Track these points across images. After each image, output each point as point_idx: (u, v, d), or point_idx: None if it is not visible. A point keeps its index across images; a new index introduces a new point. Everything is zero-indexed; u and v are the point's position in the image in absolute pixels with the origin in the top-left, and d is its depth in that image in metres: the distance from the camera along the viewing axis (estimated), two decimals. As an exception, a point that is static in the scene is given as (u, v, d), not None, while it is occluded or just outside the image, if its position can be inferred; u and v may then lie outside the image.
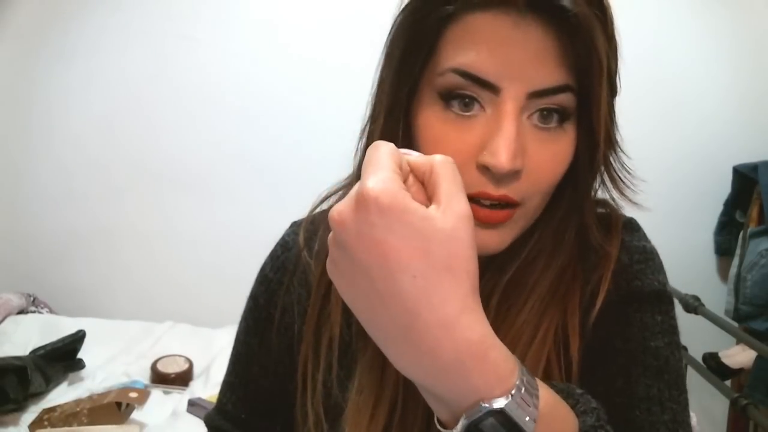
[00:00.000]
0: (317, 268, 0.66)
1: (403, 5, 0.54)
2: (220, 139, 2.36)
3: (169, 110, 2.35)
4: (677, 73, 2.28)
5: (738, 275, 2.07)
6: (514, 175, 0.51)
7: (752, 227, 2.12)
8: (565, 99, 0.51)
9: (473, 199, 0.51)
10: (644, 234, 0.65)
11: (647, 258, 0.62)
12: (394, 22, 0.55)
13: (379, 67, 0.58)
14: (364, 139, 0.60)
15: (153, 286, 2.44)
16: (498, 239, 0.54)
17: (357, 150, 0.61)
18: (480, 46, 0.50)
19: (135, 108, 2.35)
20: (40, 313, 2.26)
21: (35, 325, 2.12)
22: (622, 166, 0.59)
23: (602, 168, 0.57)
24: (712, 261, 2.38)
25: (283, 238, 0.73)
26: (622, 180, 0.59)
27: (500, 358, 0.40)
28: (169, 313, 2.30)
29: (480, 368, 0.38)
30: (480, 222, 0.52)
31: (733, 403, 1.58)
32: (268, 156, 2.35)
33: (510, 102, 0.50)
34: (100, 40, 2.32)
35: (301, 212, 0.77)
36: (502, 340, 0.41)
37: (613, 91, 0.55)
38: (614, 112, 0.57)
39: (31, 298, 2.29)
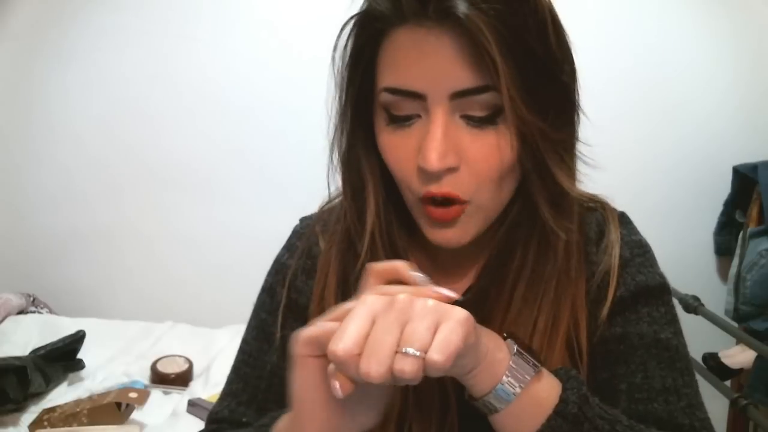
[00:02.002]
0: (324, 244, 0.69)
1: (342, 25, 0.59)
2: (221, 139, 2.36)
3: (169, 110, 2.35)
4: (677, 73, 2.28)
5: (738, 275, 2.07)
6: (449, 172, 0.55)
7: (752, 227, 2.11)
8: (490, 98, 0.53)
9: (424, 200, 0.57)
10: (635, 227, 0.68)
11: (645, 251, 0.66)
12: (336, 42, 0.60)
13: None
14: (334, 147, 0.64)
15: (153, 286, 2.43)
16: (456, 234, 0.58)
17: (331, 155, 0.65)
18: (403, 61, 0.54)
19: (135, 108, 2.35)
20: (39, 313, 2.26)
21: (35, 325, 2.12)
22: (570, 153, 0.59)
23: (546, 162, 0.57)
24: (712, 261, 2.37)
25: (295, 231, 0.75)
26: (568, 168, 0.59)
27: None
28: (169, 313, 2.30)
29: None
30: (437, 221, 0.57)
31: (733, 403, 1.57)
32: (269, 156, 2.35)
33: (436, 105, 0.54)
34: (99, 40, 2.32)
35: (301, 212, 0.77)
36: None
37: (549, 83, 0.55)
38: (557, 104, 0.57)
39: (31, 298, 2.29)
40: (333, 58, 0.60)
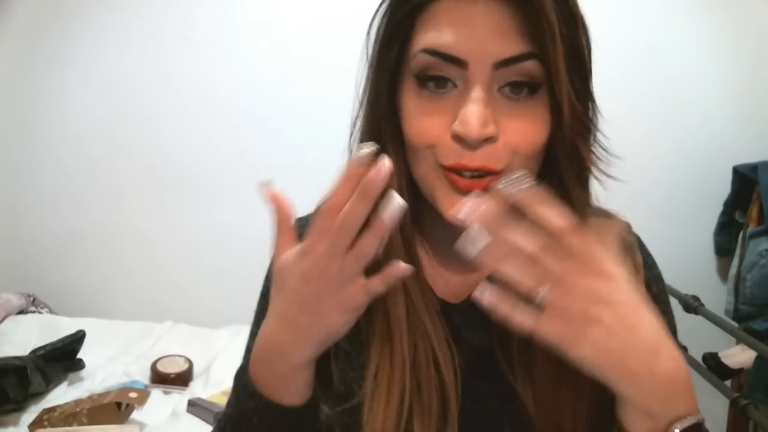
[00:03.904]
0: None
1: (381, 1, 0.59)
2: (220, 139, 2.36)
3: (169, 110, 2.35)
4: (677, 74, 2.28)
5: (738, 275, 2.07)
6: (487, 141, 0.54)
7: (752, 227, 2.12)
8: (532, 67, 0.53)
9: (453, 170, 0.55)
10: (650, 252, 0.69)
11: (653, 263, 0.67)
12: (373, 17, 0.59)
13: (365, 60, 0.61)
14: (356, 128, 0.63)
15: (153, 286, 2.44)
16: None
17: (351, 138, 0.64)
18: (446, 27, 0.53)
19: (135, 108, 2.35)
20: (39, 313, 2.26)
21: (35, 325, 2.12)
22: (595, 141, 0.59)
23: (576, 143, 0.57)
24: (712, 261, 2.38)
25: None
26: (594, 154, 0.60)
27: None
28: (169, 314, 2.30)
29: (685, 386, 0.49)
30: (463, 191, 0.55)
31: (733, 403, 1.58)
32: (268, 156, 2.35)
33: (477, 74, 0.53)
34: (99, 41, 2.32)
35: (300, 212, 0.77)
36: None
37: (581, 66, 0.56)
38: (584, 88, 0.57)
39: (31, 298, 2.29)
40: (368, 32, 0.60)
